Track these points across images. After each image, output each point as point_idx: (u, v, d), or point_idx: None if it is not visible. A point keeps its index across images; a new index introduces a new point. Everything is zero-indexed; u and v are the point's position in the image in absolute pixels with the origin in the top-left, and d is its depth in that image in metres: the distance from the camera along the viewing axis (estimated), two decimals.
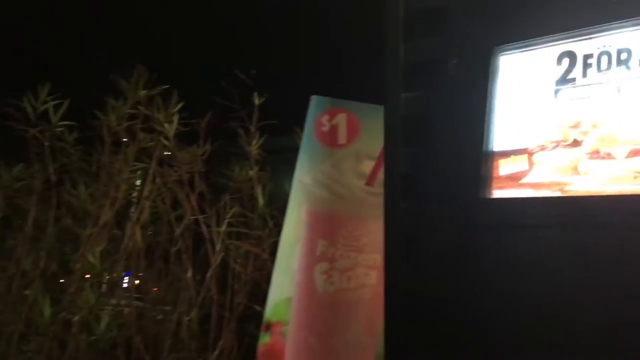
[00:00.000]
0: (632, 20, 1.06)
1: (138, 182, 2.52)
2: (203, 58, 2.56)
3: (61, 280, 2.34)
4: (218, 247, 2.24)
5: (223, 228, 2.25)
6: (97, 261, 2.19)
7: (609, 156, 1.08)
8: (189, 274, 2.29)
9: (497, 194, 1.21)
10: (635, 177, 1.04)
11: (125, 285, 2.42)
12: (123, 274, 2.40)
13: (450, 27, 1.41)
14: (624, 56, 1.09)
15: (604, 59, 1.12)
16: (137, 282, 2.42)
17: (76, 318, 2.13)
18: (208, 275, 2.23)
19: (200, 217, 2.29)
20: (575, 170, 1.12)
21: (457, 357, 1.25)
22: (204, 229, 2.27)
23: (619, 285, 1.01)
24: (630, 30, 1.08)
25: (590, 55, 1.13)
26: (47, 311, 2.12)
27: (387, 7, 1.54)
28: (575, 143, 1.13)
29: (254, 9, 2.37)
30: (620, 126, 1.08)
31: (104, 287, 2.34)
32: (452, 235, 1.28)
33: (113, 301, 2.28)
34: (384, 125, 1.51)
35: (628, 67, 1.09)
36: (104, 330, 2.14)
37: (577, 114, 1.13)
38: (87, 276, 2.26)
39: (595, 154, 1.10)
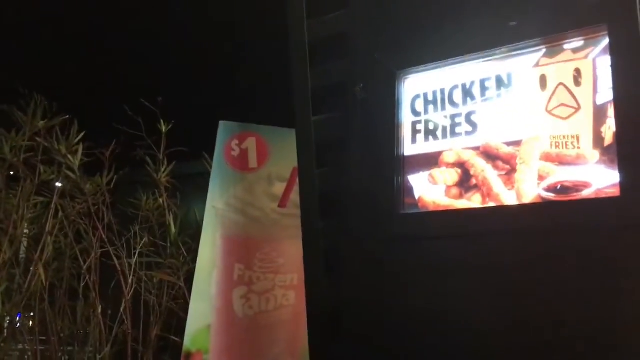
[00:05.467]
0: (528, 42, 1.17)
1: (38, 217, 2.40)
2: (106, 85, 2.49)
3: None
4: (130, 278, 2.17)
5: (134, 259, 2.19)
6: None
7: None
8: (99, 309, 2.20)
9: (410, 209, 1.28)
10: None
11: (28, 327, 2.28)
12: (25, 315, 2.27)
13: (354, 51, 1.48)
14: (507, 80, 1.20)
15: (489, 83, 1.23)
16: (40, 322, 2.29)
17: None
18: (121, 308, 2.15)
19: (109, 249, 2.22)
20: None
21: None
22: (115, 261, 2.19)
23: (529, 288, 1.10)
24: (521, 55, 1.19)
25: (487, 79, 1.23)
26: None
27: (292, 33, 1.59)
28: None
29: (161, 35, 2.35)
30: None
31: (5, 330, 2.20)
32: (371, 250, 1.33)
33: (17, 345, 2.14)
34: (297, 148, 1.55)
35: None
36: None
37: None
38: None
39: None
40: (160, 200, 2.34)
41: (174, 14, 2.31)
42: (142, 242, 2.22)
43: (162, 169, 2.34)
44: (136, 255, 2.21)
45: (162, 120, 2.32)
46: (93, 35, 2.42)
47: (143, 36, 2.38)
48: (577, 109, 1.13)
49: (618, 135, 1.05)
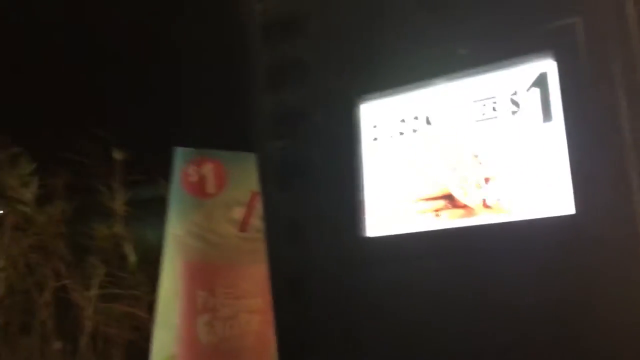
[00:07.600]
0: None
1: None
2: (56, 115, 2.43)
3: None
4: (89, 312, 2.12)
5: (93, 291, 2.14)
6: None
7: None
8: (57, 345, 2.13)
9: (372, 232, 1.31)
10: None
11: None
12: None
13: (313, 78, 1.50)
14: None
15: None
16: None
17: None
18: (82, 343, 2.09)
19: (65, 282, 2.16)
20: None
21: None
22: (72, 295, 2.14)
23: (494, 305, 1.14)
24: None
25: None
26: None
27: (250, 58, 1.60)
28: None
29: (110, 61, 2.32)
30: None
31: None
32: (336, 274, 1.35)
33: None
34: (259, 173, 1.55)
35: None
36: None
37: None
38: None
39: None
40: (116, 229, 2.30)
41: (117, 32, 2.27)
42: (101, 273, 2.17)
43: (117, 197, 2.30)
44: (94, 287, 2.15)
45: (116, 149, 2.29)
46: (37, 63, 2.36)
47: (93, 63, 2.34)
48: None
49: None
